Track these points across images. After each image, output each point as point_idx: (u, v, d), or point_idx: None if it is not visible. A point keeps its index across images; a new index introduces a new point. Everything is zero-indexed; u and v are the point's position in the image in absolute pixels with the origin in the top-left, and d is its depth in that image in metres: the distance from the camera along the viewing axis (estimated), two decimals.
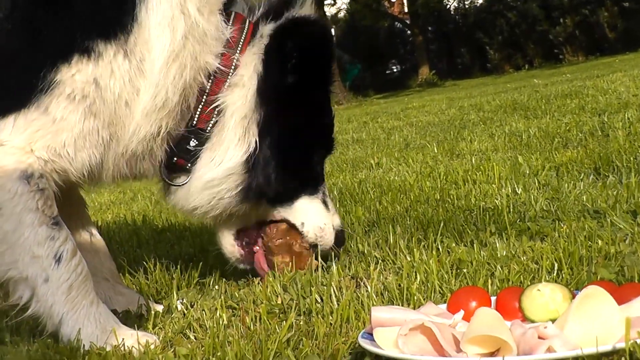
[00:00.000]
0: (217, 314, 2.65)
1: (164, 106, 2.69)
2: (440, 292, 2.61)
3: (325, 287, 2.78)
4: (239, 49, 2.86)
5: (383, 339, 1.99)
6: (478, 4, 39.01)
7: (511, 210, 3.63)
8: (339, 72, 28.66)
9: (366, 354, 2.02)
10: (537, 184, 4.21)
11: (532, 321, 2.08)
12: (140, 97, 2.65)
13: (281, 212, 3.04)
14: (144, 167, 2.87)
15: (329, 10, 38.35)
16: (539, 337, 1.87)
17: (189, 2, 2.67)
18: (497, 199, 3.93)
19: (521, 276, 2.62)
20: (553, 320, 2.00)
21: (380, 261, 3.14)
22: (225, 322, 2.57)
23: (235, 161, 2.85)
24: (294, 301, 2.70)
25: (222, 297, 2.88)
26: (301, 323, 2.44)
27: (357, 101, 26.22)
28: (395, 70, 39.96)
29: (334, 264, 3.08)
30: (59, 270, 2.53)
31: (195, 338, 2.48)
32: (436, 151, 6.50)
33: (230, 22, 2.84)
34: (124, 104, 2.63)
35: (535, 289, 2.13)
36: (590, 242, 2.84)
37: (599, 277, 2.42)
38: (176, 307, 2.88)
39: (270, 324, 2.47)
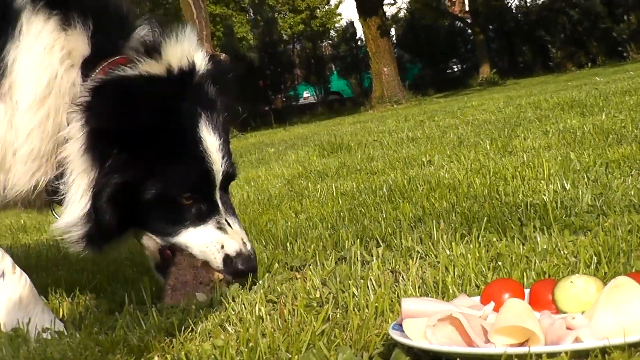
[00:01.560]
0: (257, 308, 2.68)
1: (37, 156, 2.78)
2: (476, 285, 2.61)
3: (363, 281, 2.80)
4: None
5: (412, 330, 2.00)
6: (540, 2, 38.59)
7: (558, 205, 3.61)
8: (400, 71, 28.60)
9: (397, 345, 2.03)
10: (586, 179, 4.17)
11: (565, 313, 2.07)
12: (19, 139, 2.73)
13: (168, 243, 3.00)
14: (31, 203, 3.00)
15: (389, 10, 38.36)
16: (567, 328, 1.87)
17: (55, 51, 2.75)
18: (544, 195, 3.91)
19: (559, 269, 2.62)
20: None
21: (421, 256, 3.15)
22: (263, 315, 2.60)
23: (74, 215, 2.81)
24: (332, 295, 2.72)
25: (262, 291, 2.90)
26: (337, 316, 2.46)
27: (416, 100, 26.12)
28: (455, 69, 39.72)
29: (374, 259, 3.11)
30: (6, 284, 2.74)
31: (233, 331, 2.50)
32: (489, 148, 6.46)
33: (84, 78, 2.83)
34: (10, 149, 2.74)
35: (568, 280, 2.12)
36: (630, 236, 2.82)
37: (634, 270, 2.41)
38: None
39: (306, 316, 2.49)
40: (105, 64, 2.85)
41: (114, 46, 2.90)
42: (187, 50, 2.91)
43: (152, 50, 2.85)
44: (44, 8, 2.74)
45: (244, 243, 3.02)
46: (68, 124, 2.78)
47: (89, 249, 2.93)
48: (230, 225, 3.00)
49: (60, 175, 2.84)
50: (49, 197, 2.96)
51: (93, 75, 2.82)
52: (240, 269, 2.99)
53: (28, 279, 2.84)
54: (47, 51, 2.73)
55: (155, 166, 2.84)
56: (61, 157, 2.81)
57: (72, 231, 2.85)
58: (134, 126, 2.76)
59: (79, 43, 2.82)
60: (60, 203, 2.93)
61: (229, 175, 3.06)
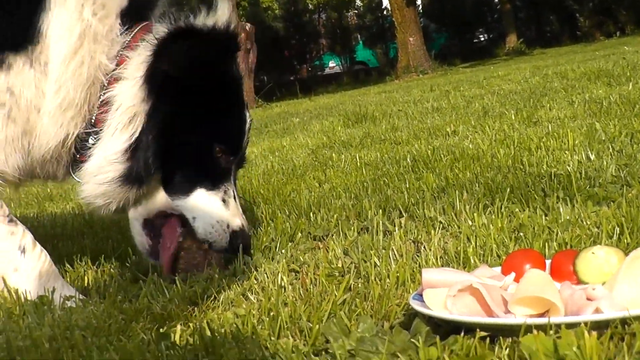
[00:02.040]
0: (279, 277, 2.70)
1: (69, 106, 2.85)
2: (497, 256, 2.61)
3: (384, 251, 2.81)
4: (129, 48, 2.94)
5: (432, 300, 2.01)
6: None
7: (582, 176, 3.60)
8: (426, 41, 28.49)
9: (417, 315, 2.04)
10: (611, 150, 4.16)
11: (586, 284, 2.07)
12: (47, 100, 2.82)
13: (177, 203, 3.02)
14: (54, 169, 3.06)
15: None
16: (588, 299, 1.87)
17: (86, 8, 2.84)
18: (568, 166, 3.89)
19: (581, 240, 2.62)
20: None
21: (444, 226, 3.15)
22: (285, 284, 2.62)
23: (115, 150, 2.89)
24: (354, 264, 2.73)
25: (284, 260, 2.92)
26: (359, 286, 2.47)
27: (442, 70, 26.01)
28: (482, 38, 39.51)
29: (396, 229, 3.12)
30: (27, 260, 2.78)
31: (256, 300, 2.52)
32: (513, 119, 6.44)
33: (125, 27, 2.96)
34: (35, 111, 2.81)
35: (590, 251, 2.11)
36: None
37: None
38: None
39: (328, 286, 2.50)
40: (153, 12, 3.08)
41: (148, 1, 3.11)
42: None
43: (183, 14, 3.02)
44: None
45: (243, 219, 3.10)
46: (115, 65, 2.92)
47: (121, 189, 2.95)
48: (234, 198, 3.08)
49: (91, 126, 2.93)
50: (73, 155, 3.01)
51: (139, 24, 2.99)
52: (239, 246, 3.04)
53: (48, 256, 2.88)
54: (77, 8, 2.83)
55: (205, 112, 3.01)
56: (97, 101, 2.92)
57: (109, 169, 2.92)
58: (199, 73, 2.96)
59: None
60: (78, 166, 3.00)
61: (246, 149, 3.22)
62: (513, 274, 2.11)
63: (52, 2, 2.81)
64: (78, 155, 2.99)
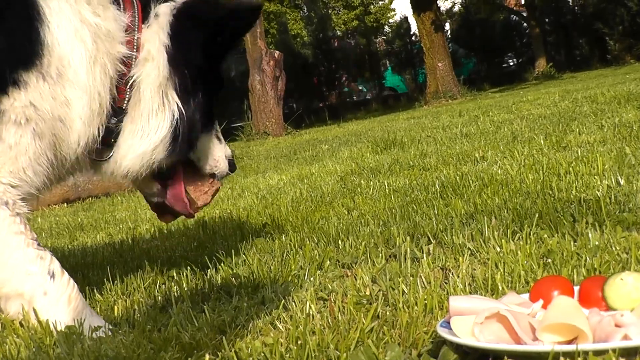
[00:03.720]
0: (307, 305, 2.70)
1: (100, 107, 2.94)
2: (525, 282, 2.61)
3: (412, 278, 2.81)
4: (136, 29, 3.05)
5: (460, 328, 2.01)
6: None
7: (611, 201, 3.59)
8: (454, 66, 28.50)
9: (445, 342, 2.04)
10: None
11: (615, 310, 2.06)
12: (74, 108, 2.89)
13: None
14: (80, 165, 3.18)
15: (444, 5, 38.23)
16: (616, 325, 1.87)
17: (84, 10, 2.92)
18: (598, 191, 3.88)
19: (610, 266, 2.60)
20: None
21: (472, 252, 3.15)
22: (314, 312, 2.62)
23: (164, 131, 3.07)
24: (382, 292, 2.74)
25: (312, 288, 2.93)
26: (386, 313, 2.47)
27: (471, 95, 25.95)
28: (511, 63, 39.46)
29: (424, 256, 3.13)
30: (56, 285, 2.80)
31: (284, 328, 2.52)
32: (542, 144, 6.42)
33: (122, 9, 3.04)
34: (59, 121, 2.87)
35: (618, 277, 2.10)
36: None
37: None
38: None
39: (355, 314, 2.50)
40: None
41: None
42: None
43: None
44: None
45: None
46: (129, 49, 3.02)
47: (163, 161, 3.15)
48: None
49: (114, 113, 3.05)
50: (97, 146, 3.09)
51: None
52: (231, 170, 3.46)
53: (74, 283, 2.90)
54: (76, 14, 2.89)
55: (211, 75, 3.27)
56: (131, 78, 3.04)
57: (155, 150, 3.10)
58: (211, 40, 3.18)
59: None
60: (106, 140, 3.10)
61: None
62: (541, 301, 2.11)
63: (47, 14, 2.85)
64: (100, 138, 3.05)
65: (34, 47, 2.81)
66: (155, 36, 3.07)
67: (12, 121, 2.78)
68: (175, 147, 3.10)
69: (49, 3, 2.87)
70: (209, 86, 3.24)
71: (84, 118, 2.91)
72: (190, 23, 3.12)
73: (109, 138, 3.08)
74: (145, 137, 3.07)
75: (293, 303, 2.77)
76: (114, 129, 3.07)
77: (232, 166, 3.44)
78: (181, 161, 3.26)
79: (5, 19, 2.82)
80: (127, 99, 3.05)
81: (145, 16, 3.08)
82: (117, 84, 3.01)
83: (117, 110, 3.04)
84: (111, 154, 3.12)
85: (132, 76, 3.02)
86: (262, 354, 2.21)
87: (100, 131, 3.00)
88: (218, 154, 3.36)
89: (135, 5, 3.08)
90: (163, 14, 3.10)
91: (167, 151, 3.10)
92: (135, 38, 3.03)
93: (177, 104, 3.07)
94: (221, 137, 3.41)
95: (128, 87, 3.03)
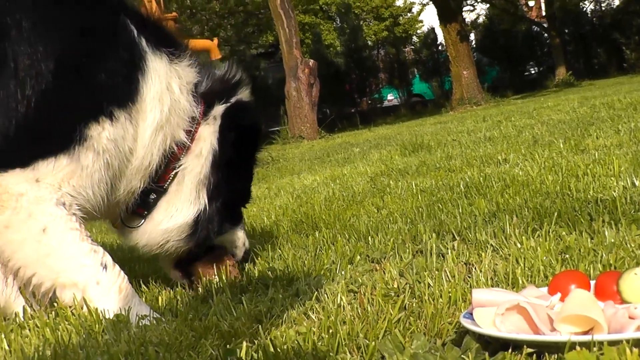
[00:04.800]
0: (338, 297, 2.70)
1: (149, 164, 3.08)
2: (544, 276, 2.60)
3: (437, 272, 2.80)
4: (196, 123, 3.23)
5: (482, 318, 2.00)
6: (614, 5, 37.99)
7: (627, 201, 3.56)
8: (479, 74, 28.40)
9: (468, 332, 2.03)
10: None
11: (629, 303, 2.04)
12: (135, 154, 3.04)
13: (222, 240, 3.49)
14: (116, 212, 3.26)
15: (468, 16, 38.06)
16: (630, 317, 1.86)
17: (173, 81, 3.09)
18: (614, 191, 3.86)
19: (625, 262, 2.59)
20: None
21: (494, 249, 3.14)
22: (344, 303, 2.62)
23: (189, 217, 3.25)
24: (409, 285, 2.73)
25: (344, 281, 2.93)
26: (413, 305, 2.47)
27: (494, 102, 25.85)
28: (532, 71, 39.22)
29: (449, 251, 3.13)
30: (108, 275, 2.87)
31: (316, 319, 2.53)
32: (562, 147, 6.38)
33: (195, 102, 3.23)
34: (126, 160, 3.01)
35: (632, 272, 2.09)
36: None
37: None
38: None
39: (384, 305, 2.50)
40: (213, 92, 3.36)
41: (210, 74, 3.40)
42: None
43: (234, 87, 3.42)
44: (159, 48, 3.10)
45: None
46: (186, 137, 3.19)
47: (182, 246, 3.34)
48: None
49: (154, 183, 3.18)
50: (132, 205, 3.24)
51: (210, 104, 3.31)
52: (244, 259, 3.62)
53: (124, 274, 2.95)
54: (167, 80, 3.08)
55: (245, 181, 3.59)
56: (180, 165, 3.22)
57: (177, 233, 3.28)
58: (249, 147, 3.46)
59: (188, 72, 3.21)
60: (140, 210, 3.27)
61: None
62: (559, 294, 2.10)
63: (149, 69, 3.02)
64: (136, 207, 3.24)
65: (132, 92, 2.97)
66: (209, 137, 3.25)
67: (93, 148, 2.86)
68: (193, 237, 3.30)
69: (152, 58, 3.05)
70: (241, 198, 3.54)
71: (135, 165, 3.07)
72: (235, 128, 3.30)
73: (143, 210, 3.25)
74: (174, 219, 3.25)
75: (325, 295, 2.77)
76: (151, 204, 3.24)
77: (246, 255, 3.63)
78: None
79: (109, 58, 2.96)
80: (169, 181, 3.22)
81: (206, 112, 3.27)
82: (166, 165, 3.18)
83: (158, 188, 3.21)
84: (141, 223, 3.28)
85: (181, 165, 3.22)
86: (296, 342, 2.22)
87: (137, 190, 3.16)
88: (238, 243, 3.57)
89: (200, 100, 3.26)
90: (219, 116, 3.29)
91: (186, 237, 3.29)
92: (193, 130, 3.21)
93: (205, 204, 3.27)
94: (244, 229, 3.64)
95: (174, 172, 3.20)
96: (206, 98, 3.30)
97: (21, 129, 2.76)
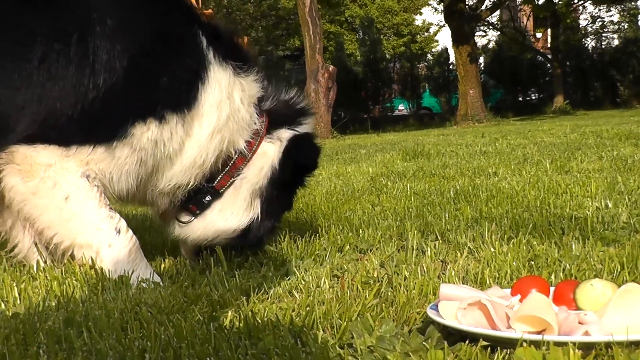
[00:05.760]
0: (322, 280, 2.70)
1: (202, 164, 3.08)
2: (510, 279, 2.59)
3: (414, 266, 2.80)
4: (259, 137, 3.24)
5: (446, 311, 2.00)
6: (614, 45, 37.90)
7: (598, 220, 3.56)
8: (483, 94, 28.34)
9: (432, 322, 2.03)
10: (627, 200, 4.10)
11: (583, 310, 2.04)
12: (184, 154, 3.04)
13: None
14: (163, 202, 3.25)
15: (480, 41, 37.95)
16: (580, 323, 1.86)
17: (235, 92, 3.10)
18: (588, 211, 3.85)
19: (585, 273, 2.58)
20: None
21: (470, 251, 3.13)
22: (327, 286, 2.62)
23: (243, 223, 3.26)
24: (388, 275, 2.73)
25: (329, 267, 2.93)
26: (388, 294, 2.46)
27: (495, 121, 25.79)
28: (533, 97, 39.03)
29: (428, 249, 3.12)
30: (120, 239, 2.90)
31: (299, 297, 2.53)
32: (548, 167, 6.37)
33: (259, 114, 3.24)
34: (167, 159, 3.01)
35: (589, 283, 2.09)
36: None
37: None
38: None
39: (362, 291, 2.50)
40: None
41: (277, 94, 3.40)
42: None
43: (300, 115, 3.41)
44: (225, 60, 3.11)
45: None
46: (245, 146, 3.20)
47: (228, 243, 3.31)
48: None
49: (210, 185, 3.21)
50: (183, 200, 3.26)
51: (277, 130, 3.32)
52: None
53: (136, 239, 2.98)
54: (229, 90, 3.09)
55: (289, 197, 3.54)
56: (239, 173, 3.24)
57: (232, 233, 3.28)
58: (305, 172, 3.47)
59: (252, 86, 3.19)
60: (183, 209, 3.29)
61: None
62: (519, 296, 2.10)
63: (211, 77, 3.04)
64: (190, 204, 3.25)
65: (190, 98, 2.99)
66: (272, 156, 3.25)
67: (131, 145, 2.89)
68: (244, 239, 3.30)
69: (216, 69, 3.06)
70: (280, 208, 3.46)
71: (185, 165, 3.07)
72: (298, 157, 3.30)
73: (195, 208, 3.25)
74: (228, 222, 3.25)
75: (310, 277, 2.78)
76: (205, 204, 3.24)
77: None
78: None
79: (174, 65, 2.99)
80: (226, 186, 3.23)
81: (270, 130, 3.27)
82: (225, 172, 3.21)
83: (214, 191, 3.22)
84: (191, 219, 3.28)
85: (239, 174, 3.23)
86: (275, 315, 2.22)
87: (190, 185, 3.16)
88: None
89: (265, 117, 3.27)
90: (285, 139, 3.28)
91: (235, 238, 3.28)
92: (256, 143, 3.22)
93: (258, 212, 3.27)
94: None
95: (232, 179, 3.22)
96: (270, 115, 3.30)
97: (79, 113, 2.80)
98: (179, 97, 2.97)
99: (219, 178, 3.20)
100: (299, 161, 3.32)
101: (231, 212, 3.25)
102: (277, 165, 3.24)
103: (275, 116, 3.31)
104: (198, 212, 3.26)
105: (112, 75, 2.81)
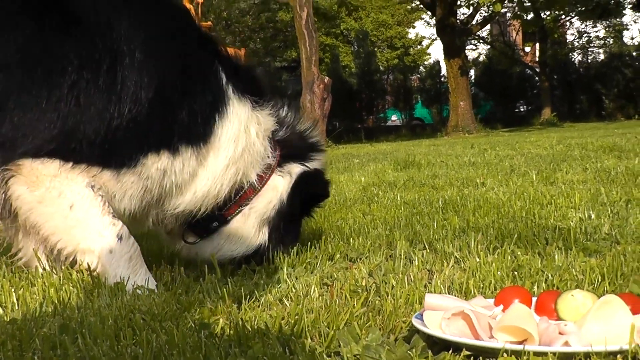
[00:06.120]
0: (312, 288, 2.69)
1: (216, 194, 3.11)
2: (494, 289, 2.58)
3: (402, 276, 2.79)
4: (270, 170, 3.27)
5: (430, 321, 2.00)
6: (599, 60, 38.00)
7: (581, 231, 3.55)
8: (474, 106, 28.36)
9: (417, 331, 2.02)
10: (609, 212, 4.10)
11: (564, 320, 2.04)
12: (199, 184, 3.06)
13: None
14: (169, 222, 3.25)
15: (470, 54, 37.94)
16: (560, 333, 1.85)
17: (251, 125, 3.12)
18: (571, 221, 3.85)
19: (567, 284, 2.58)
20: None
21: (457, 260, 3.13)
22: (316, 294, 2.61)
23: (250, 250, 3.29)
24: (376, 284, 2.72)
25: (318, 275, 2.92)
26: (375, 303, 2.46)
27: (485, 132, 25.77)
28: (522, 109, 39.06)
29: (416, 258, 3.11)
30: (121, 245, 2.89)
31: (289, 305, 2.52)
32: (534, 178, 6.37)
33: (273, 148, 3.27)
34: (176, 187, 3.02)
35: (570, 294, 2.09)
36: (632, 262, 2.76)
37: (627, 291, 2.36)
38: None
39: (350, 300, 2.49)
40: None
41: (290, 125, 3.43)
42: None
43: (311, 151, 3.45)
44: (244, 95, 3.16)
45: None
46: (256, 179, 3.24)
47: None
48: None
49: (219, 211, 3.23)
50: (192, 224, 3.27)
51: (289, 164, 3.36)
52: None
53: (138, 246, 2.98)
54: (245, 124, 3.12)
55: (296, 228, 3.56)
56: (248, 203, 3.27)
57: (240, 254, 3.31)
58: (312, 206, 3.58)
59: (267, 120, 3.22)
60: (197, 228, 3.29)
61: None
62: (502, 306, 2.09)
63: (230, 112, 3.07)
64: (197, 227, 3.27)
65: (207, 133, 3.02)
66: (281, 190, 3.30)
67: (138, 173, 2.91)
68: (247, 258, 3.30)
69: (235, 104, 3.10)
70: (288, 237, 3.44)
71: (198, 194, 3.09)
72: (307, 194, 3.38)
73: (202, 231, 3.27)
74: (234, 248, 3.28)
75: (301, 285, 2.76)
76: (211, 229, 3.26)
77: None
78: None
79: (194, 99, 3.00)
80: (234, 214, 3.25)
81: (281, 163, 3.31)
82: (234, 202, 3.23)
83: (222, 218, 3.24)
84: (197, 241, 3.31)
85: (249, 204, 3.26)
86: (265, 323, 2.21)
87: (200, 212, 3.17)
88: None
89: (278, 149, 3.30)
90: (295, 174, 3.33)
91: (242, 258, 3.30)
92: (267, 176, 3.26)
93: (265, 239, 3.30)
94: None
95: (240, 208, 3.25)
96: (283, 147, 3.34)
97: (101, 139, 2.82)
98: (196, 131, 2.99)
99: (228, 207, 3.24)
100: (306, 197, 3.39)
101: (238, 239, 3.29)
102: (285, 199, 3.30)
103: (288, 148, 3.35)
104: (205, 235, 3.29)
105: (137, 106, 2.84)
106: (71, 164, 2.83)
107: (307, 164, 3.37)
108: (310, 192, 3.39)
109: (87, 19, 2.90)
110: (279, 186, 3.29)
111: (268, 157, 3.25)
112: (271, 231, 3.31)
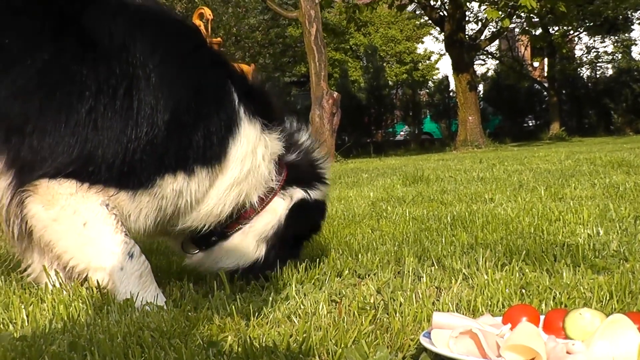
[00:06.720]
0: (320, 305, 2.69)
1: (218, 214, 3.15)
2: (502, 307, 2.57)
3: (410, 293, 2.78)
4: (272, 193, 3.32)
5: (438, 339, 1.99)
6: (608, 75, 37.92)
7: (589, 247, 3.54)
8: (482, 121, 28.33)
9: (425, 350, 2.02)
10: (618, 228, 4.08)
11: (571, 339, 2.03)
12: (204, 201, 3.10)
13: None
14: (173, 235, 3.34)
15: (479, 69, 37.93)
16: (567, 352, 1.84)
17: (259, 147, 3.15)
18: (580, 238, 3.83)
19: (575, 302, 2.56)
20: None
21: (465, 277, 3.12)
22: (325, 312, 2.61)
23: (247, 264, 3.30)
24: (384, 302, 2.71)
25: (327, 292, 2.91)
26: (384, 320, 2.45)
27: (494, 147, 25.74)
28: (530, 124, 38.99)
29: (424, 275, 3.10)
30: (132, 263, 2.91)
31: (298, 322, 2.51)
32: (543, 193, 6.35)
33: (278, 171, 3.31)
34: (187, 206, 3.06)
35: (578, 312, 2.08)
36: None
37: (635, 309, 2.35)
38: None
39: (358, 317, 2.49)
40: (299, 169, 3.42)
41: (302, 148, 3.46)
42: None
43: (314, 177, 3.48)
44: (255, 117, 3.18)
45: None
46: (257, 200, 3.27)
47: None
48: None
49: (220, 226, 3.26)
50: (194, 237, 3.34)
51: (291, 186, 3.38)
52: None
53: (148, 264, 3.00)
54: (253, 146, 3.14)
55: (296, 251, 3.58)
56: (249, 221, 3.30)
57: (237, 266, 3.32)
58: (311, 231, 3.61)
59: (275, 144, 3.27)
60: (197, 240, 3.34)
61: None
62: (509, 325, 2.08)
63: (242, 134, 3.10)
64: (197, 240, 3.33)
65: (221, 153, 3.06)
66: (280, 212, 3.33)
67: (152, 194, 2.95)
68: (246, 272, 3.32)
69: (245, 125, 3.13)
70: (286, 255, 3.44)
71: (203, 213, 3.13)
72: (305, 220, 3.42)
73: (201, 243, 3.33)
74: (232, 261, 3.31)
75: (309, 302, 2.76)
76: (210, 243, 3.31)
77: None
78: None
79: (209, 121, 3.03)
80: (234, 231, 3.29)
81: (285, 185, 3.34)
82: (234, 220, 3.26)
83: (223, 233, 3.29)
84: (196, 251, 3.36)
85: (248, 223, 3.30)
86: (273, 341, 2.20)
87: (204, 229, 3.22)
88: None
89: (284, 171, 3.34)
90: (296, 199, 3.36)
91: (240, 269, 3.32)
92: (267, 199, 3.30)
93: (262, 254, 3.32)
94: None
95: (239, 226, 3.29)
96: (290, 170, 3.37)
97: (117, 161, 2.86)
98: (211, 152, 3.03)
99: (229, 223, 3.27)
100: (306, 224, 3.45)
101: (236, 254, 3.31)
102: (284, 222, 3.32)
103: (294, 173, 3.37)
104: (204, 247, 3.34)
105: (154, 129, 2.88)
106: (88, 184, 2.86)
107: (310, 192, 3.40)
108: (304, 221, 3.43)
109: (102, 42, 2.93)
110: (278, 210, 3.32)
111: (272, 180, 3.28)
112: (269, 249, 3.33)
